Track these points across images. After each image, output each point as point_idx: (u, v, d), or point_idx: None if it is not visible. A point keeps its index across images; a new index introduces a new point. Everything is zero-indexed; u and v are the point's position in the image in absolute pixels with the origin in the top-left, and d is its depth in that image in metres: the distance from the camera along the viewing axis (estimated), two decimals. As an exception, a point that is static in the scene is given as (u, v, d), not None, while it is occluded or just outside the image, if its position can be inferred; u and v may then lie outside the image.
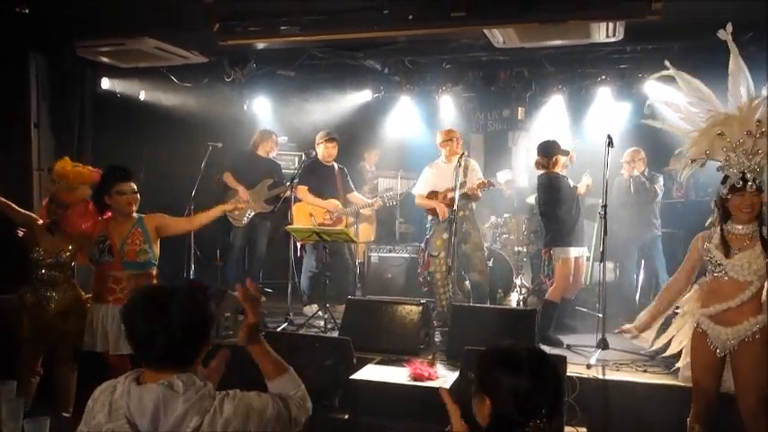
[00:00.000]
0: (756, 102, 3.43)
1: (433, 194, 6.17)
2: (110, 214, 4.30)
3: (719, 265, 3.42)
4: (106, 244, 4.18)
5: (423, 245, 6.36)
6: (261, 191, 7.02)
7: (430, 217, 6.23)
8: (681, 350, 3.99)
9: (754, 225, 3.38)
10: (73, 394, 4.51)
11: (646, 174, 6.60)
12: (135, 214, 4.28)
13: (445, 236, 5.95)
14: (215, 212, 4.65)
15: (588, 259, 6.32)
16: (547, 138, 5.99)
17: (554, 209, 5.71)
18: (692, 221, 6.28)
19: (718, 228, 3.46)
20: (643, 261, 6.92)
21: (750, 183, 3.29)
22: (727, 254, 3.39)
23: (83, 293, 4.55)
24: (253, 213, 7.02)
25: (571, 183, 5.83)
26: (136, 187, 4.28)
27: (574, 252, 5.69)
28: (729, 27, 3.58)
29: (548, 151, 5.76)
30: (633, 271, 6.94)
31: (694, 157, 3.61)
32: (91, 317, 4.24)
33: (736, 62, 3.60)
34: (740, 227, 3.39)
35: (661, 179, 6.58)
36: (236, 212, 6.95)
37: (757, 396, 3.34)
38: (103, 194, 4.23)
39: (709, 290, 3.53)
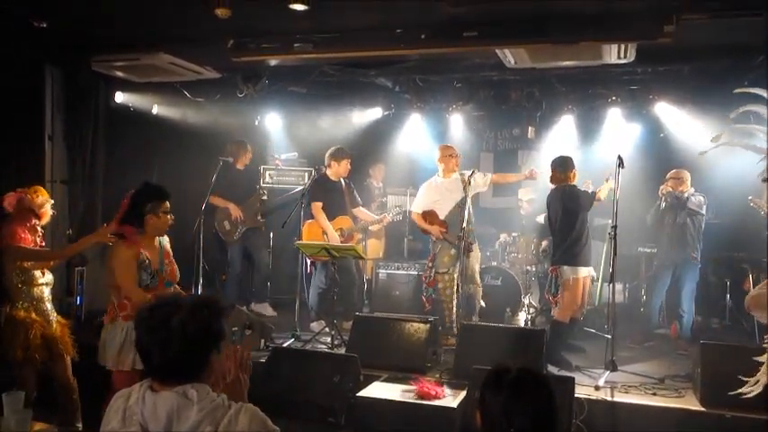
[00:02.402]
0: None
1: (428, 214, 6.25)
2: (135, 237, 3.87)
3: None
4: (151, 269, 3.89)
5: (429, 262, 6.33)
6: (253, 206, 7.13)
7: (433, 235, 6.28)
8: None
9: None
10: (79, 406, 4.48)
11: (687, 194, 6.24)
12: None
13: (453, 251, 6.01)
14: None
15: (596, 280, 6.25)
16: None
17: (568, 219, 5.59)
18: (706, 245, 6.26)
19: None
20: (668, 283, 6.40)
21: None
22: None
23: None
24: (244, 229, 7.08)
25: (589, 189, 5.79)
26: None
27: (583, 272, 5.64)
28: None
29: (564, 165, 5.75)
30: (658, 294, 6.52)
31: None
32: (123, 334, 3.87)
33: None
34: None
35: (701, 198, 6.20)
36: (227, 227, 7.05)
37: None
38: (146, 213, 3.88)
39: None
